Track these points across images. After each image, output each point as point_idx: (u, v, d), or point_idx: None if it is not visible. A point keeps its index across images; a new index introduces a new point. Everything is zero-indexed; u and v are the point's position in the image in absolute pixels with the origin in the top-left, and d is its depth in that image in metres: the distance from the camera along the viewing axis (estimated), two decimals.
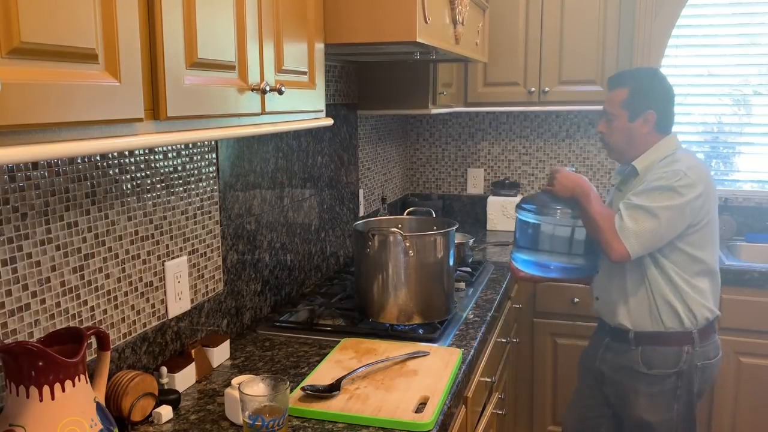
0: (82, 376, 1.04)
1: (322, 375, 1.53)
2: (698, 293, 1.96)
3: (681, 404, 2.00)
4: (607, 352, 2.11)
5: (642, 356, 2.00)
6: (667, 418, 2.01)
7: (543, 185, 2.18)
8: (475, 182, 3.51)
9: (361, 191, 2.80)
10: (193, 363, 1.55)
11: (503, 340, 2.35)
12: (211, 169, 1.72)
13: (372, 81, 2.71)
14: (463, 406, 1.68)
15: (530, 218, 2.08)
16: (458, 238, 2.47)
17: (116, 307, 1.41)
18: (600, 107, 2.25)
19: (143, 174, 1.47)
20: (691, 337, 1.97)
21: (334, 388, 1.44)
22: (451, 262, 1.97)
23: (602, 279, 2.11)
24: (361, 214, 2.81)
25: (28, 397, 0.99)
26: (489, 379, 2.03)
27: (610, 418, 2.16)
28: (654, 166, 1.96)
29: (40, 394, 0.99)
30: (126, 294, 1.44)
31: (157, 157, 1.51)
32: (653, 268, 1.96)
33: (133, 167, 1.44)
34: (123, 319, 1.44)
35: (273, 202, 2.04)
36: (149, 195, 1.50)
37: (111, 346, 1.18)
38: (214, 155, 1.73)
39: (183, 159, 1.61)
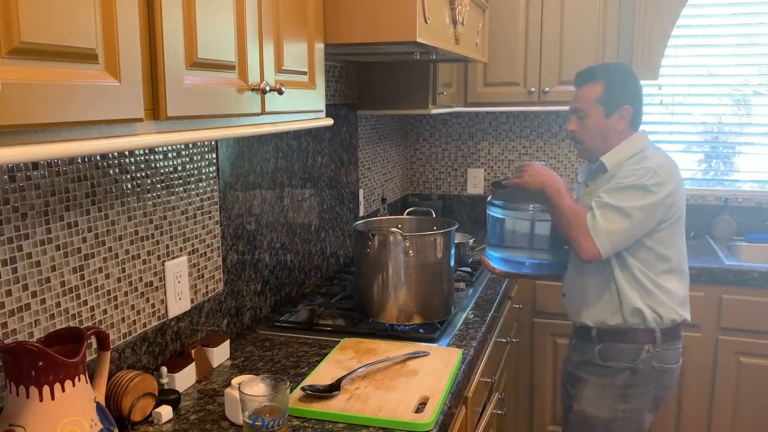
0: (82, 376, 1.04)
1: (322, 375, 1.53)
2: (664, 293, 1.92)
3: (627, 407, 1.95)
4: (573, 353, 2.09)
5: (600, 351, 1.98)
6: (610, 417, 1.96)
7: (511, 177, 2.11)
8: (475, 182, 3.51)
9: (361, 191, 2.80)
10: (193, 363, 1.55)
11: (503, 340, 2.35)
12: (211, 169, 1.72)
13: (372, 81, 2.70)
14: (463, 406, 1.68)
15: (498, 213, 2.06)
16: (458, 238, 2.47)
17: (116, 307, 1.42)
18: None
19: (143, 174, 1.47)
20: (653, 336, 1.93)
21: (334, 388, 1.45)
22: (451, 262, 1.97)
23: (568, 276, 2.09)
24: (361, 214, 2.81)
25: (28, 397, 0.99)
26: (489, 379, 2.03)
27: None
28: (623, 163, 1.92)
29: (40, 394, 0.99)
30: (126, 294, 1.44)
31: (157, 157, 1.52)
32: (618, 266, 1.92)
33: (133, 167, 1.44)
34: (123, 319, 1.44)
35: (273, 202, 2.04)
36: (149, 195, 1.50)
37: (111, 346, 1.18)
38: (214, 155, 1.73)
39: (183, 159, 1.61)
